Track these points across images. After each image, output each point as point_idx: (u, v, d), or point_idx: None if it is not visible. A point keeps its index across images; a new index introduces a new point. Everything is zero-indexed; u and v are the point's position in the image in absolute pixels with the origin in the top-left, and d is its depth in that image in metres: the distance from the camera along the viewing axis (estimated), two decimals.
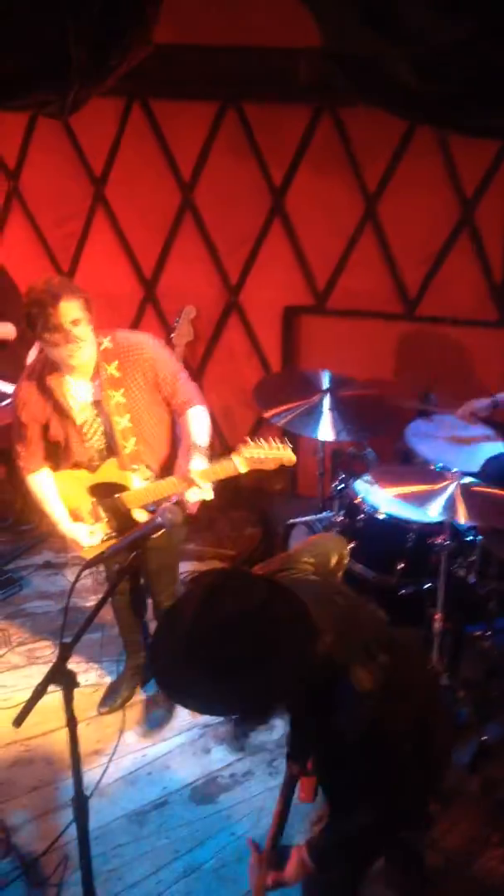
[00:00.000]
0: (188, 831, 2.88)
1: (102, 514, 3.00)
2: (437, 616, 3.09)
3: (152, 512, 2.90)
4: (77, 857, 2.19)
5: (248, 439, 2.73)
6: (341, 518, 3.43)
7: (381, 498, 3.28)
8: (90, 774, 2.73)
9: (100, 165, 4.39)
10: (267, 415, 3.51)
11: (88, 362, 2.79)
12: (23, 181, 4.56)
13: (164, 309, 4.60)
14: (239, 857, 2.77)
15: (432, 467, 3.09)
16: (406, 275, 4.18)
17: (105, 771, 2.94)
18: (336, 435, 3.45)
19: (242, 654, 1.51)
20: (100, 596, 2.61)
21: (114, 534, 3.02)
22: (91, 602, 3.89)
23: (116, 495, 2.93)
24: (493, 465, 3.28)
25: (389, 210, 4.09)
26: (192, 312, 4.33)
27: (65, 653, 1.98)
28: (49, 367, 2.83)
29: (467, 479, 2.93)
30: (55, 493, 3.02)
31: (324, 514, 3.73)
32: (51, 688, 1.96)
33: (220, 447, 3.93)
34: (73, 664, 1.99)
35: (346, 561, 2.19)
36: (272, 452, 2.71)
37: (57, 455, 2.99)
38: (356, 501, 3.35)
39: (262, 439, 2.74)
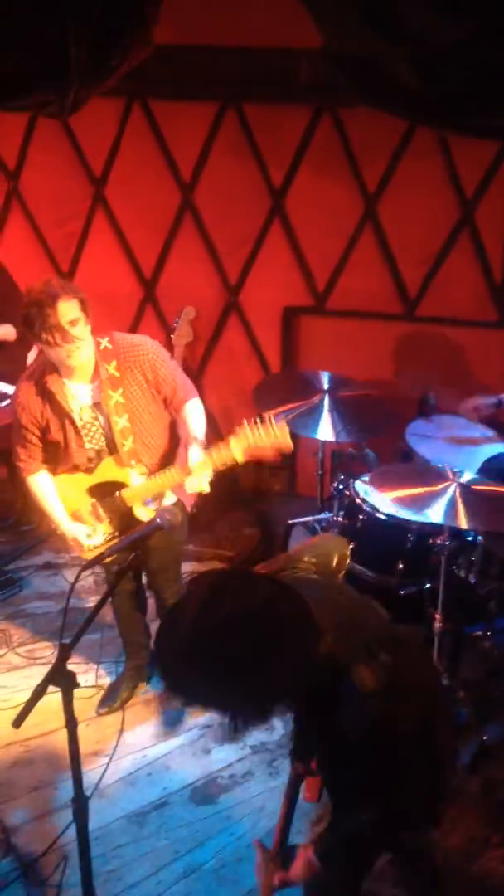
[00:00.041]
0: (188, 832, 2.87)
1: (103, 514, 3.00)
2: (437, 616, 3.09)
3: (151, 508, 2.92)
4: (77, 857, 2.19)
5: (245, 422, 2.71)
6: (341, 518, 3.43)
7: (381, 499, 3.28)
8: (90, 775, 2.74)
9: (100, 166, 4.38)
10: (266, 415, 3.51)
11: (87, 363, 2.79)
12: (22, 181, 4.56)
13: (163, 309, 4.60)
14: (239, 857, 2.77)
15: (430, 466, 3.08)
16: (406, 275, 4.18)
17: (105, 771, 2.96)
18: (336, 435, 3.45)
19: (244, 653, 1.51)
20: (99, 597, 2.61)
21: (116, 533, 3.02)
22: (91, 602, 3.89)
23: (117, 493, 2.93)
24: (493, 464, 3.28)
25: (389, 210, 4.09)
26: (191, 313, 4.33)
27: (64, 653, 1.98)
28: (48, 368, 2.83)
29: (466, 477, 2.93)
30: (55, 493, 3.02)
31: (323, 514, 3.73)
32: (50, 688, 1.97)
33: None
34: (72, 665, 1.99)
35: (347, 561, 2.19)
36: (269, 437, 2.70)
37: (56, 457, 2.99)
38: (356, 502, 3.35)
39: (257, 422, 2.72)
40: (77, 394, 2.85)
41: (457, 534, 3.10)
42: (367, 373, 4.13)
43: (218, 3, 3.70)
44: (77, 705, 2.01)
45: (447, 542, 3.02)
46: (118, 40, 2.71)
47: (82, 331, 2.68)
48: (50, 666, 1.98)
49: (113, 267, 4.57)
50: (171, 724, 3.32)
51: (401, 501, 2.93)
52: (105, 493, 2.96)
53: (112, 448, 2.91)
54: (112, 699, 3.39)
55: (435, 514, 2.79)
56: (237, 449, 2.70)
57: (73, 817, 2.12)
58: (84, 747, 2.21)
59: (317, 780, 2.19)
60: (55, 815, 2.92)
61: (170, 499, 2.99)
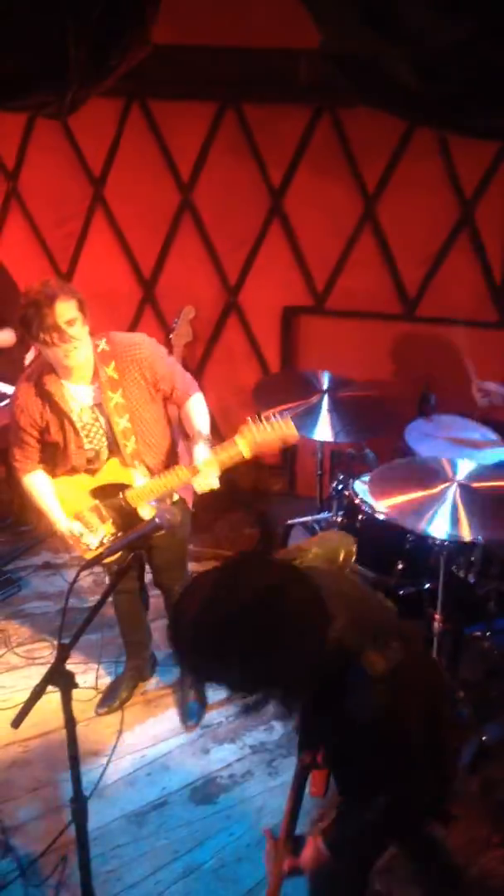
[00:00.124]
0: (187, 832, 2.87)
1: (106, 514, 3.00)
2: (437, 616, 3.09)
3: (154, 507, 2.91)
4: (76, 857, 2.19)
5: (250, 419, 2.72)
6: (340, 518, 3.42)
7: (380, 506, 3.27)
8: (89, 775, 2.75)
9: (99, 166, 4.38)
10: (266, 415, 3.51)
11: (85, 364, 2.78)
12: (22, 181, 4.55)
13: (162, 309, 4.60)
14: (238, 857, 2.77)
15: (428, 463, 3.07)
16: (405, 275, 4.18)
17: (104, 772, 2.97)
18: (335, 436, 3.45)
19: (255, 635, 1.52)
20: (99, 597, 2.61)
21: (119, 533, 3.01)
22: (90, 602, 3.89)
23: (120, 494, 2.93)
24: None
25: (389, 210, 4.09)
26: (191, 313, 4.33)
27: (63, 653, 1.99)
28: (46, 369, 2.83)
29: (466, 469, 2.92)
30: (52, 492, 3.01)
31: (322, 514, 3.72)
32: (49, 688, 1.97)
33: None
34: (71, 665, 1.99)
35: (353, 558, 2.19)
36: (275, 430, 2.71)
37: (54, 458, 2.98)
38: (355, 502, 3.35)
39: (263, 419, 2.73)
40: (77, 395, 2.85)
41: None
42: (367, 373, 4.12)
43: (217, 3, 3.70)
44: (76, 705, 2.01)
45: (447, 542, 3.02)
46: (117, 40, 2.71)
47: (80, 331, 2.67)
48: (49, 666, 1.98)
49: (112, 267, 4.57)
50: (192, 716, 3.32)
51: (400, 509, 2.91)
52: (109, 494, 2.96)
53: (114, 449, 2.91)
54: (111, 699, 3.39)
55: (437, 528, 2.79)
56: (243, 444, 2.71)
57: (73, 817, 2.12)
58: (83, 747, 2.21)
59: (322, 774, 2.19)
60: (54, 815, 2.92)
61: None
